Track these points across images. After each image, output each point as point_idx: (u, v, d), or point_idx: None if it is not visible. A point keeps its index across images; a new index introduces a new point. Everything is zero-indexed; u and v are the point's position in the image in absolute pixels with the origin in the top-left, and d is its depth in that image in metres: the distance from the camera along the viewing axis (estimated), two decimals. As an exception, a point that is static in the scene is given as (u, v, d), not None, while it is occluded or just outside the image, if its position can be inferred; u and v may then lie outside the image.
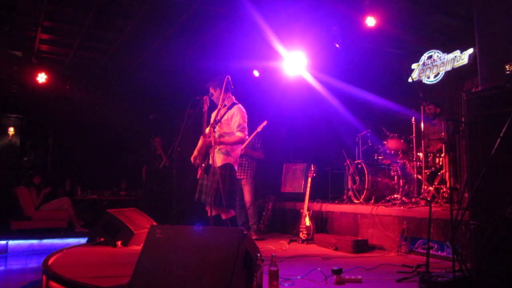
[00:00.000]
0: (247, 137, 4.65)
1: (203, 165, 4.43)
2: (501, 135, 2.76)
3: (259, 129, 6.61)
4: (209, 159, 4.48)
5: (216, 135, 4.40)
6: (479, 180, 2.86)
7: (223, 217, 4.53)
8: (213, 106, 4.70)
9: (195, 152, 4.65)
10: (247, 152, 6.55)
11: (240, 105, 4.66)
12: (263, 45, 7.40)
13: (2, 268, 6.22)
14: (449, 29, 7.27)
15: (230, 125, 4.54)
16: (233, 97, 4.75)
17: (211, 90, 4.66)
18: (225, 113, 4.57)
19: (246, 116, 4.65)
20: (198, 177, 4.60)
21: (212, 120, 4.58)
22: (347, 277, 3.55)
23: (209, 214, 4.50)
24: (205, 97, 4.52)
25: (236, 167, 4.64)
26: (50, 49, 8.64)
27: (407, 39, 7.50)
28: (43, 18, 7.02)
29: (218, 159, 4.46)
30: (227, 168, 4.48)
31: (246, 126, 4.59)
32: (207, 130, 4.60)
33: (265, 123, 6.63)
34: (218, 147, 4.50)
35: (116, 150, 10.74)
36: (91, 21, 7.13)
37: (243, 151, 6.43)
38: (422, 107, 5.83)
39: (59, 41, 8.18)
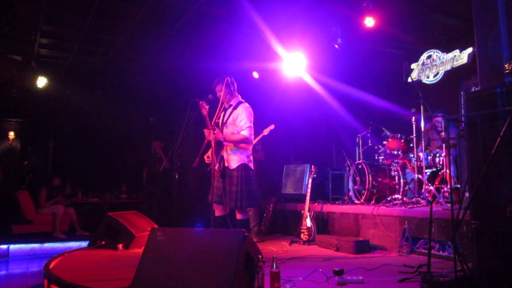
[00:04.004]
0: (252, 136, 4.54)
1: (216, 167, 4.37)
2: (501, 134, 2.75)
3: (265, 132, 6.58)
4: (223, 162, 4.48)
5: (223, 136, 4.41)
6: (480, 180, 2.86)
7: (238, 217, 4.54)
8: (213, 108, 4.69)
9: (209, 153, 4.59)
10: None
11: (245, 104, 4.61)
12: (262, 46, 7.41)
13: (4, 272, 6.22)
14: (448, 29, 7.28)
15: (236, 125, 4.50)
16: (239, 96, 4.70)
17: (217, 87, 4.62)
18: (230, 113, 4.56)
19: (253, 115, 4.58)
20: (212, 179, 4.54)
21: (219, 120, 4.57)
22: (348, 277, 3.55)
23: (216, 214, 4.51)
24: (200, 101, 4.49)
25: (251, 165, 4.60)
26: (49, 53, 8.66)
27: (406, 39, 7.51)
28: (42, 22, 7.04)
29: (232, 161, 4.47)
30: (242, 169, 4.46)
31: (252, 125, 4.52)
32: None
33: (272, 127, 6.57)
34: (229, 149, 4.50)
35: (117, 153, 10.75)
36: (90, 24, 7.15)
37: None
38: (422, 106, 5.83)
39: (58, 45, 8.20)
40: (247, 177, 4.49)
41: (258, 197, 4.64)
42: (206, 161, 4.58)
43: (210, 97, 4.59)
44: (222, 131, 4.47)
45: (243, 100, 4.68)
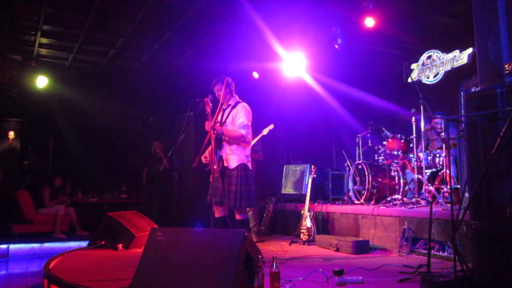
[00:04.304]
0: (249, 135, 4.55)
1: (215, 167, 4.36)
2: (501, 134, 2.75)
3: (264, 132, 6.55)
4: (223, 162, 4.48)
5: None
6: (480, 180, 2.86)
7: (237, 217, 4.52)
8: (205, 109, 4.69)
9: (206, 153, 4.59)
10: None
11: (244, 104, 4.62)
12: (262, 47, 7.41)
13: (4, 272, 6.22)
14: (448, 29, 7.28)
15: (235, 124, 4.50)
16: (237, 96, 4.71)
17: (216, 87, 4.61)
18: (229, 113, 4.56)
19: (251, 114, 4.59)
20: (211, 179, 4.51)
21: (218, 120, 4.55)
22: (348, 278, 3.55)
23: (217, 215, 4.50)
24: (205, 99, 4.50)
25: (250, 165, 4.61)
26: (49, 53, 8.66)
27: (406, 39, 7.51)
28: (42, 22, 7.04)
29: (232, 161, 4.46)
30: (241, 168, 4.46)
31: (249, 125, 4.53)
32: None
33: (271, 126, 6.54)
34: (229, 149, 4.49)
35: (117, 153, 10.76)
36: (90, 24, 7.15)
37: None
38: (422, 106, 5.83)
39: (58, 45, 8.20)
40: (246, 177, 4.48)
41: (256, 197, 4.64)
42: (204, 161, 4.58)
43: (210, 97, 4.59)
44: (215, 132, 4.45)
45: (241, 100, 4.68)
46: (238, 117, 4.48)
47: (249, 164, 4.60)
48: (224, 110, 4.62)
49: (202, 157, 4.58)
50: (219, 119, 4.61)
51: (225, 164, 4.46)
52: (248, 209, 6.51)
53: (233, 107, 4.57)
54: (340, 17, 6.70)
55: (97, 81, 9.97)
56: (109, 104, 9.96)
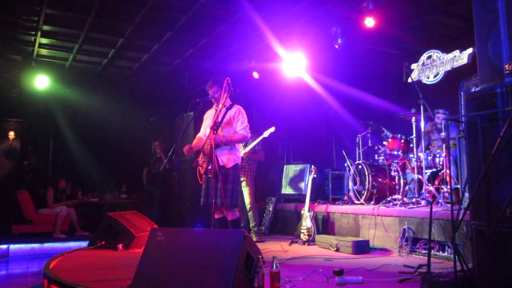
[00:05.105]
0: (249, 134, 4.66)
1: (209, 168, 4.36)
2: (501, 134, 2.75)
3: (265, 134, 6.56)
4: (218, 162, 4.47)
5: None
6: (480, 180, 2.86)
7: (229, 218, 4.49)
8: (205, 109, 4.73)
9: (191, 149, 4.63)
10: (249, 155, 6.54)
11: (238, 106, 4.70)
12: (262, 47, 7.42)
13: (4, 272, 6.22)
14: (448, 29, 7.28)
15: (232, 125, 4.56)
16: (229, 99, 4.74)
17: (213, 89, 4.61)
18: (225, 114, 4.56)
19: (246, 115, 4.69)
20: (201, 182, 4.54)
21: (210, 122, 4.56)
22: (348, 278, 3.55)
23: (216, 217, 4.49)
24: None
25: (240, 164, 4.71)
26: (49, 53, 8.65)
27: (406, 39, 7.51)
28: (42, 22, 7.03)
29: (230, 160, 4.50)
30: (236, 168, 4.54)
31: (248, 125, 4.62)
32: (207, 131, 4.60)
33: (272, 129, 6.54)
34: (227, 150, 4.50)
35: (117, 153, 10.76)
36: (90, 24, 7.15)
37: (246, 155, 6.43)
38: (422, 106, 5.83)
39: (58, 45, 8.20)
40: (238, 177, 4.62)
41: (256, 197, 4.72)
42: (199, 163, 4.57)
43: (210, 96, 4.63)
44: (215, 132, 4.46)
45: (233, 102, 4.72)
46: (236, 120, 4.57)
47: (239, 163, 4.71)
48: (220, 110, 4.63)
49: (198, 160, 4.61)
50: (209, 120, 4.65)
51: (221, 164, 4.46)
52: (248, 209, 6.55)
53: (228, 108, 4.60)
54: (340, 17, 6.69)
55: (97, 81, 9.97)
56: (109, 104, 9.96)
